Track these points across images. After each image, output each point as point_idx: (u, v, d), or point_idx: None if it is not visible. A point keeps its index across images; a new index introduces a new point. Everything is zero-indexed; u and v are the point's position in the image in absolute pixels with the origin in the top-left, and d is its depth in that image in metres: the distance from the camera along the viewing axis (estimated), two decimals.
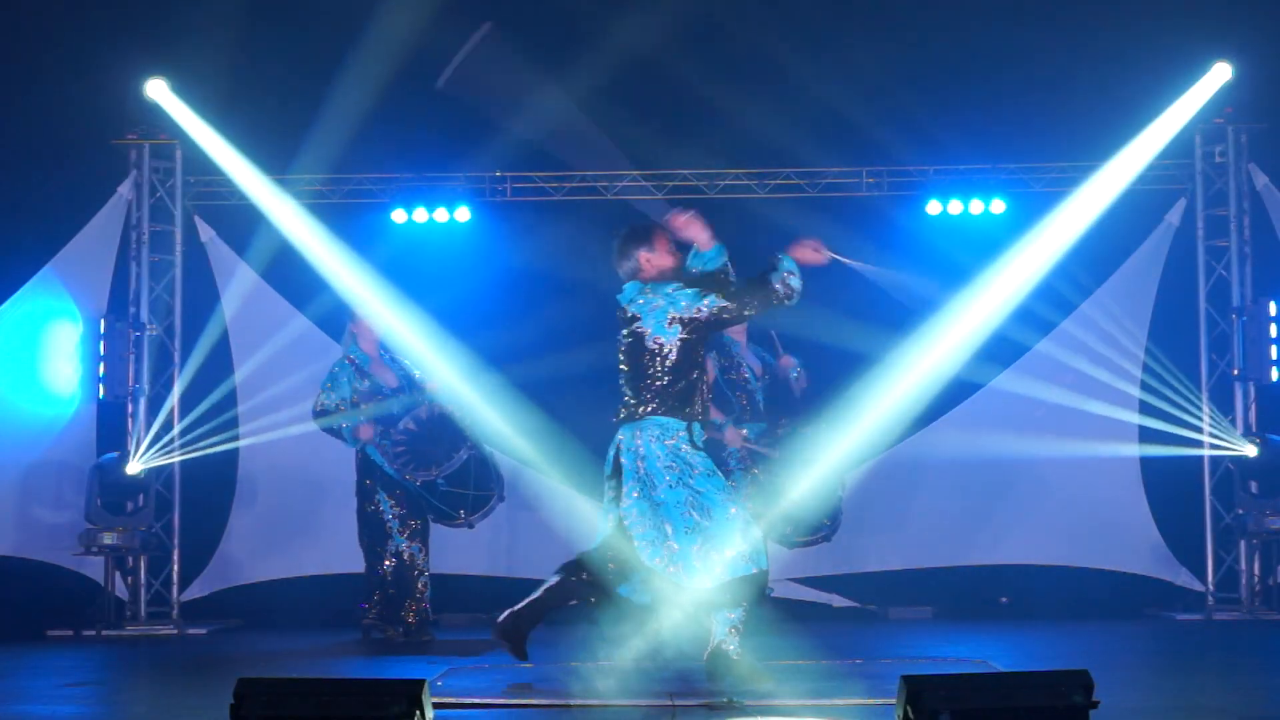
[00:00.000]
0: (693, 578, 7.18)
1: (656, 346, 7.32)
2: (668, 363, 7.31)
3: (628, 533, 7.26)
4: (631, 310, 7.39)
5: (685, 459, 7.28)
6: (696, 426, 7.36)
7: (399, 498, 9.84)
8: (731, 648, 7.26)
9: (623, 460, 7.31)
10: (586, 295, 7.69)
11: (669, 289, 7.35)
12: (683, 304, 7.31)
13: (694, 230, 7.51)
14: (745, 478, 10.07)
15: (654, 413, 7.30)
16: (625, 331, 7.42)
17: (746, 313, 7.41)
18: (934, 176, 11.79)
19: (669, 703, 6.54)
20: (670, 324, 7.31)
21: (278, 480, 11.86)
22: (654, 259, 7.47)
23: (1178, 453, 11.57)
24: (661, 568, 7.21)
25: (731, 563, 7.19)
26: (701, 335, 7.37)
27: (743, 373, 10.27)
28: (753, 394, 10.26)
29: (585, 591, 7.39)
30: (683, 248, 7.57)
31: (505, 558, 11.78)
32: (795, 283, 7.36)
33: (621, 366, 7.43)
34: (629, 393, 7.37)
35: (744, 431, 10.16)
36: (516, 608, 7.39)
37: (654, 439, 7.29)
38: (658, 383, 7.31)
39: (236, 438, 11.72)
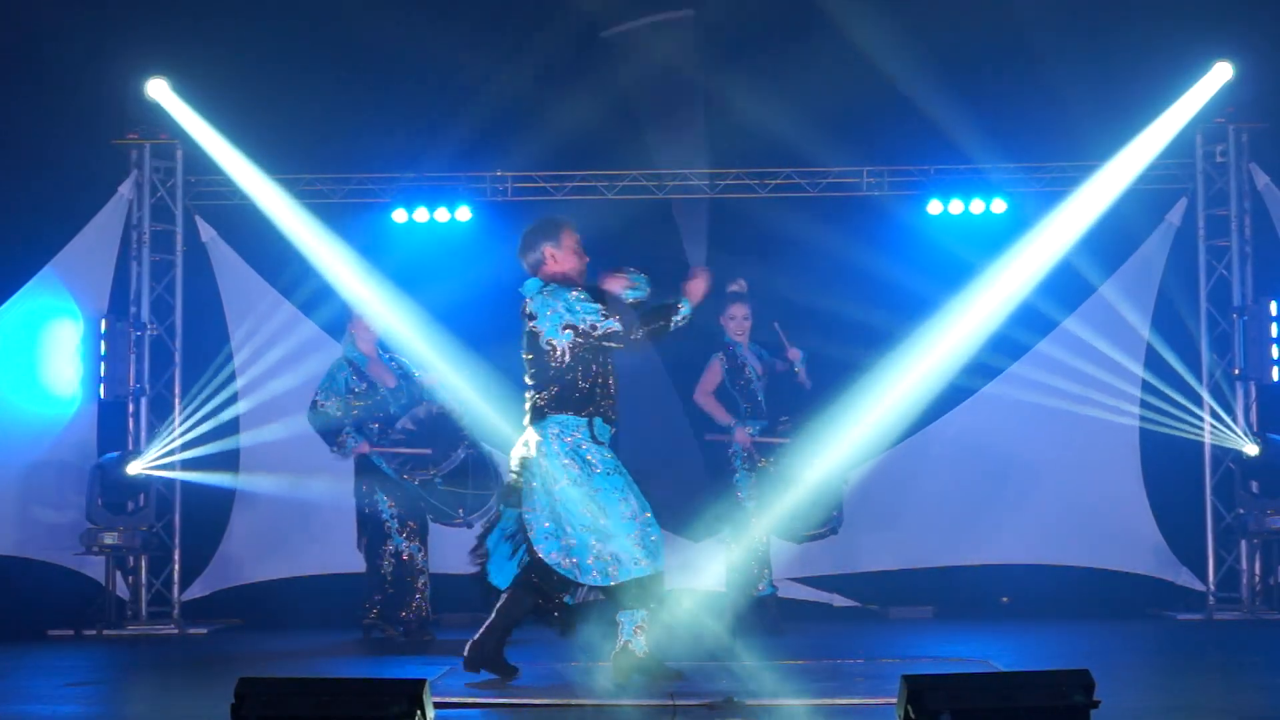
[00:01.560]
0: (587, 575, 7.25)
1: (550, 348, 7.38)
2: (564, 363, 7.37)
3: (527, 528, 7.30)
4: (530, 307, 7.45)
5: (584, 456, 7.33)
6: (599, 422, 7.39)
7: (397, 498, 9.83)
8: (637, 646, 7.32)
9: (525, 457, 7.37)
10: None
11: (570, 296, 7.39)
12: (581, 316, 7.35)
13: (615, 286, 7.48)
14: (750, 475, 10.08)
15: (555, 410, 7.36)
16: (525, 326, 7.48)
17: (633, 338, 7.40)
18: (935, 176, 11.78)
19: (669, 702, 6.54)
20: (564, 329, 7.37)
21: (278, 480, 11.84)
22: (559, 256, 7.52)
23: (1178, 452, 11.58)
24: (557, 563, 7.27)
25: (628, 563, 7.25)
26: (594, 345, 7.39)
27: (746, 374, 10.27)
28: (754, 393, 10.26)
29: (534, 602, 7.43)
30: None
31: None
32: (684, 321, 7.48)
33: (525, 355, 7.49)
34: (531, 390, 7.44)
35: (749, 429, 10.16)
36: (475, 637, 7.48)
37: (554, 436, 7.35)
38: (555, 383, 7.37)
39: (237, 438, 11.72)
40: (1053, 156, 11.67)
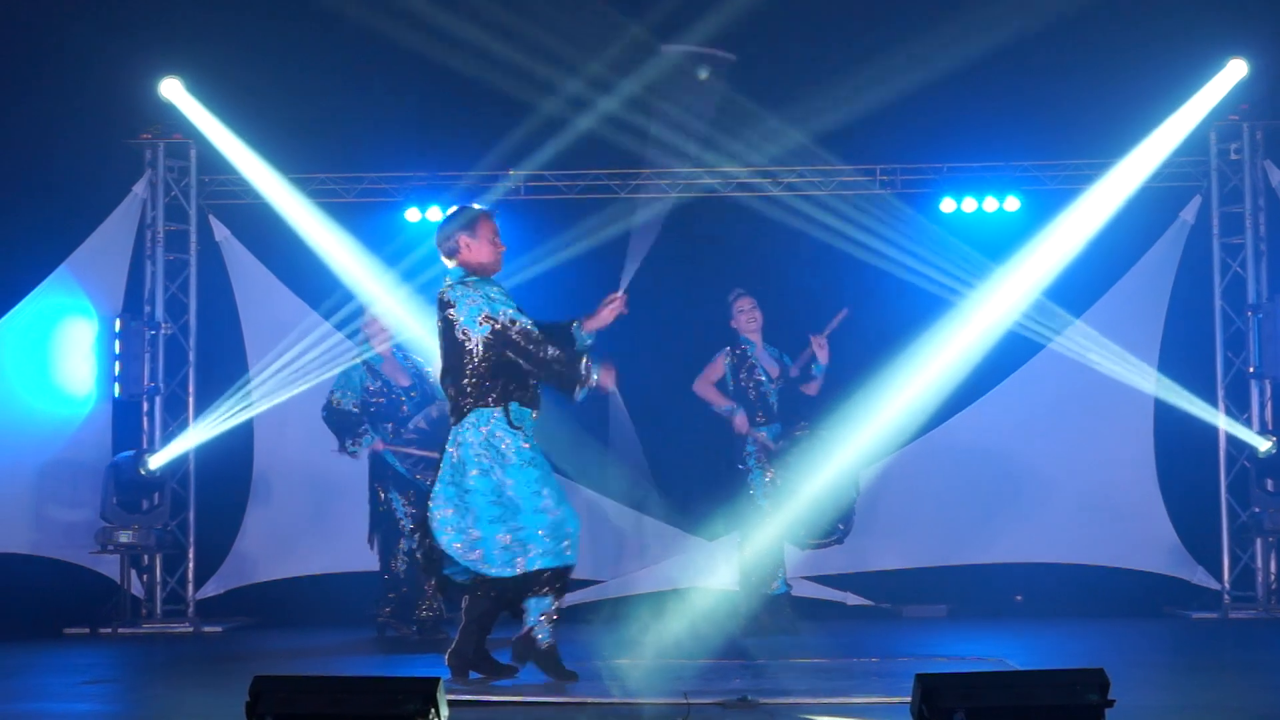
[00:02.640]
0: (494, 566, 7.24)
1: (464, 337, 7.36)
2: (476, 355, 7.34)
3: (431, 517, 7.30)
4: (449, 296, 7.43)
5: (497, 447, 7.30)
6: (514, 406, 7.34)
7: (411, 498, 9.84)
8: (541, 636, 7.33)
9: (448, 450, 7.37)
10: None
11: (493, 292, 7.38)
12: (500, 312, 7.33)
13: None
14: (761, 479, 10.07)
15: (472, 406, 7.32)
16: (439, 316, 7.47)
17: (539, 355, 7.31)
18: (948, 174, 11.77)
19: (684, 700, 6.54)
20: (482, 321, 7.35)
21: (292, 479, 11.88)
22: (474, 246, 7.51)
23: (1193, 450, 11.55)
24: (460, 554, 7.27)
25: (534, 553, 7.24)
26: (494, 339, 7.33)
27: (756, 375, 10.24)
28: (765, 395, 10.23)
29: (499, 601, 7.41)
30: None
31: None
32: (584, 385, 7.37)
33: (440, 345, 7.48)
34: (450, 388, 7.43)
35: (763, 435, 10.15)
36: (453, 646, 7.44)
37: (470, 427, 7.32)
38: (470, 377, 7.34)
39: (251, 436, 11.75)
40: (1066, 154, 11.64)
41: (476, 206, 7.84)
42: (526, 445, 7.37)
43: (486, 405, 7.33)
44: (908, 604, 11.69)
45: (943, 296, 11.38)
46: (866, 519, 10.68)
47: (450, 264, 7.55)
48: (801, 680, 7.44)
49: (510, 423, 7.34)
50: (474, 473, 7.30)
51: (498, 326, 7.33)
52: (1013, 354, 11.71)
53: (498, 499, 7.28)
